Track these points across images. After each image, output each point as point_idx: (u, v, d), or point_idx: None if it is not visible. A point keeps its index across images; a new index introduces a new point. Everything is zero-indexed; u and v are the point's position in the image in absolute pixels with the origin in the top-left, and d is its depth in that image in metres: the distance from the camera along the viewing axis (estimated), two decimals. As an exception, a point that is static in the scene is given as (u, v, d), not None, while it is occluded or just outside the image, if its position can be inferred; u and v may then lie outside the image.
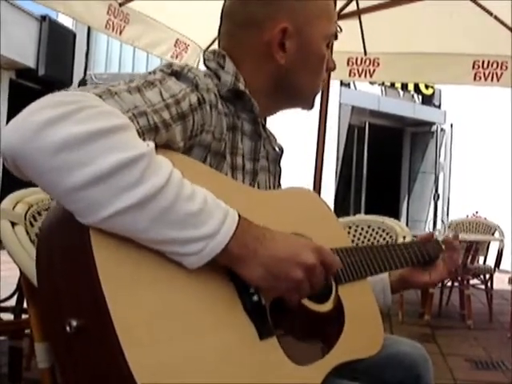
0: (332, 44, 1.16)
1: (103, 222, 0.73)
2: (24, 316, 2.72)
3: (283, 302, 0.93)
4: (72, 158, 0.69)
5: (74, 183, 0.70)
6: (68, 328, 0.73)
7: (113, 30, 3.34)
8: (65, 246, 0.79)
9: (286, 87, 1.10)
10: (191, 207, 0.77)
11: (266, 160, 1.14)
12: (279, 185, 1.21)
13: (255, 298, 0.89)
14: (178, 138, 0.89)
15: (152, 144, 0.78)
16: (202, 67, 1.08)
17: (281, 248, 0.87)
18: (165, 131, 0.85)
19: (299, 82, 1.10)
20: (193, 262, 0.79)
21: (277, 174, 1.19)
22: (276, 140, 1.18)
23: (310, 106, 1.17)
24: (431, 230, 10.38)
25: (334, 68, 1.17)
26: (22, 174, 0.73)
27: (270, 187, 1.15)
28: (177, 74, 0.94)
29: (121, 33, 3.41)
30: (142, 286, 0.76)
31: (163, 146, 0.85)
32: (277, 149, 1.18)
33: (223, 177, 0.99)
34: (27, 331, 2.44)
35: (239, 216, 0.83)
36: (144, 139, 0.79)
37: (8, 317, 2.82)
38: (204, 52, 1.10)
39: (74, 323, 0.73)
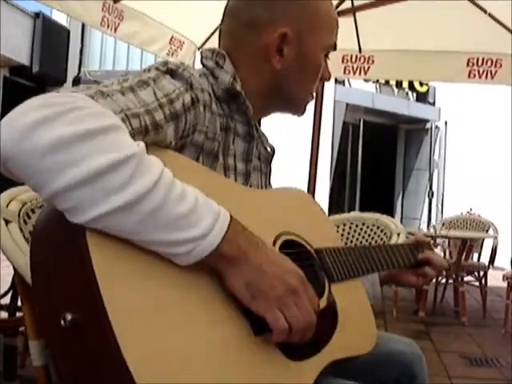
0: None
1: (91, 222, 0.72)
2: (18, 314, 2.72)
3: None
4: (60, 160, 0.68)
5: (62, 185, 0.69)
6: (63, 322, 0.73)
7: (108, 27, 3.31)
8: (60, 240, 0.78)
9: (279, 92, 1.10)
10: (180, 209, 0.76)
11: (258, 160, 1.14)
12: (269, 184, 1.22)
13: None
14: (170, 137, 0.88)
15: (142, 144, 0.77)
16: (198, 65, 1.07)
17: (269, 261, 0.84)
18: (154, 133, 0.85)
19: (292, 89, 1.10)
20: (182, 261, 0.79)
21: (268, 173, 1.20)
22: (267, 140, 1.18)
23: (301, 113, 1.17)
24: (426, 227, 10.40)
25: (329, 79, 1.17)
26: (13, 175, 0.72)
27: (261, 187, 1.16)
28: (172, 72, 0.94)
29: (116, 30, 3.39)
30: (137, 280, 0.76)
31: (155, 144, 0.85)
32: (268, 149, 1.18)
33: (216, 175, 0.98)
34: (21, 329, 2.44)
35: (231, 218, 0.81)
36: (135, 140, 0.78)
37: (2, 315, 2.82)
38: (201, 49, 1.09)
39: (69, 317, 0.73)
